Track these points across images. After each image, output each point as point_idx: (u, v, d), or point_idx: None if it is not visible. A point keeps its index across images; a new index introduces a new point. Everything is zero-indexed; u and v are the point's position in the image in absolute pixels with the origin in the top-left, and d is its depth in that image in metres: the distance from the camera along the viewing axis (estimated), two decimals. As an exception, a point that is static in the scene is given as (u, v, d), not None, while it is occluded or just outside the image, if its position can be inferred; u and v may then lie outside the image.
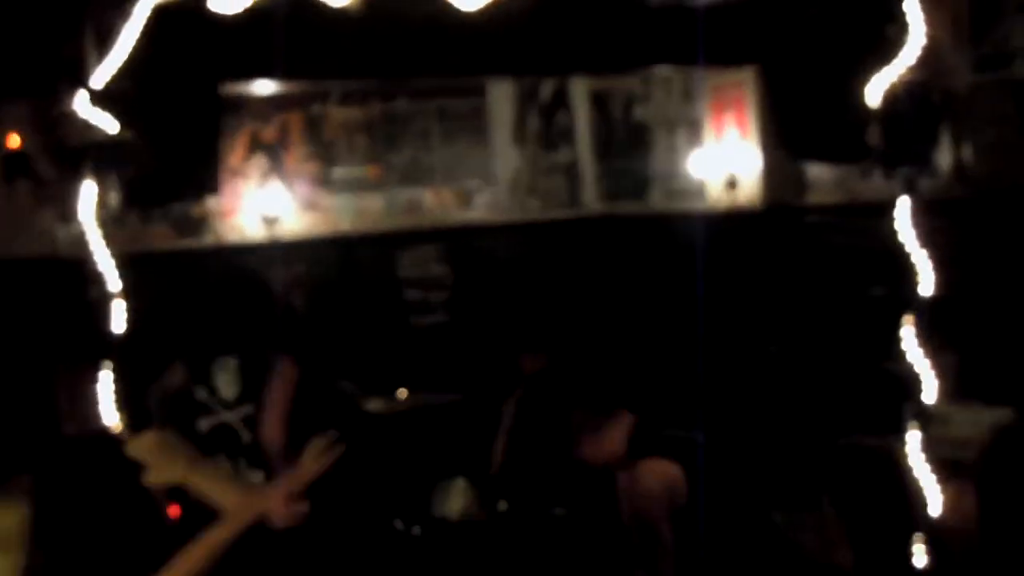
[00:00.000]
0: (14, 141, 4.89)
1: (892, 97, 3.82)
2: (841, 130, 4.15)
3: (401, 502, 6.84)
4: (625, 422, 5.80)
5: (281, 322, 5.70)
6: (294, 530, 5.15)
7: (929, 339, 4.00)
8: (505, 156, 9.38)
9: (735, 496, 5.50)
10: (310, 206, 8.86)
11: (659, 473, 5.65)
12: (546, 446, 6.66)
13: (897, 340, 4.32)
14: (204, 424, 5.57)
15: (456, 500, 6.63)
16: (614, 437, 5.79)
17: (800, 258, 7.31)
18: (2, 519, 3.08)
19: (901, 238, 4.17)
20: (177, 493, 4.33)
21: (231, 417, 5.65)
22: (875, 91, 3.88)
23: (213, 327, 5.85)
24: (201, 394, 5.66)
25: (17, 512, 3.05)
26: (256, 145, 8.67)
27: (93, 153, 4.28)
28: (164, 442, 3.07)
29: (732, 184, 7.73)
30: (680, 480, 5.62)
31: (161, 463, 3.04)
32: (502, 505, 6.50)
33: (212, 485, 3.02)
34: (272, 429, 5.55)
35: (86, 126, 4.32)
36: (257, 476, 5.56)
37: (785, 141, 4.97)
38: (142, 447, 3.07)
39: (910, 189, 3.94)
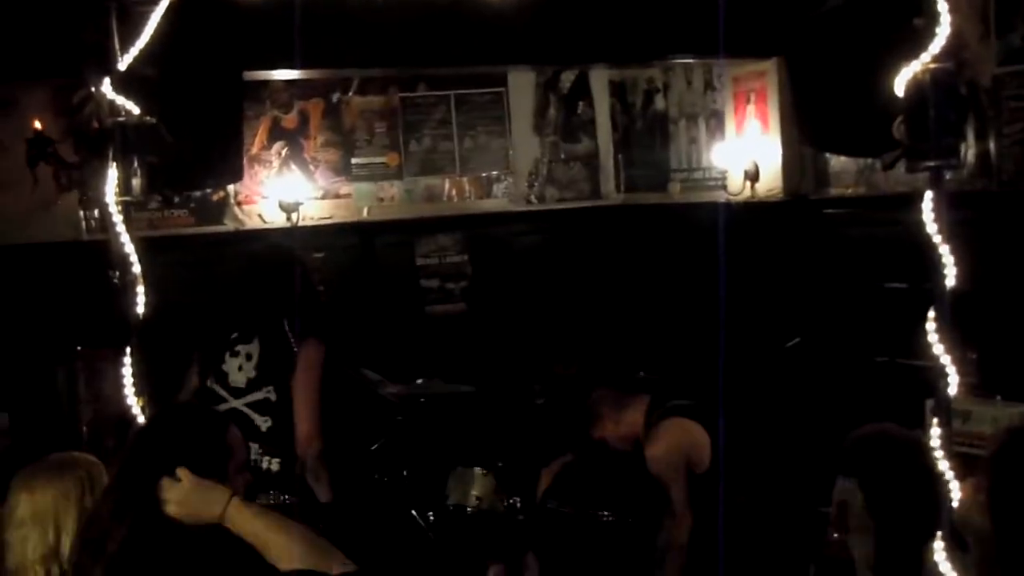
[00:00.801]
0: (37, 125, 4.88)
1: (918, 89, 3.79)
2: (866, 122, 4.12)
3: (417, 489, 6.85)
4: (643, 402, 5.75)
5: (305, 305, 5.64)
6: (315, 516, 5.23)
7: (951, 334, 3.97)
8: (525, 145, 9.38)
9: (754, 487, 5.48)
10: (329, 193, 8.88)
11: (677, 431, 5.55)
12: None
13: (917, 334, 4.30)
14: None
15: (473, 489, 6.62)
16: (635, 418, 5.74)
17: (820, 250, 7.29)
18: (40, 496, 3.07)
19: (924, 231, 4.14)
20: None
21: (239, 404, 5.62)
22: (901, 83, 3.85)
23: (224, 313, 5.89)
24: (212, 385, 5.68)
25: (50, 489, 3.05)
26: (276, 132, 8.70)
27: (116, 138, 4.27)
28: (199, 484, 3.02)
29: (753, 176, 7.71)
30: (701, 442, 5.49)
31: (198, 506, 3.01)
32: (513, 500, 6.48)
33: (254, 527, 2.97)
34: (303, 414, 5.51)
35: (109, 111, 4.31)
36: (275, 463, 5.56)
37: (808, 133, 4.93)
38: (176, 491, 3.02)
39: (935, 182, 3.92)
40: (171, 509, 2.96)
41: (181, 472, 2.98)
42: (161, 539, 2.94)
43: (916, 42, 3.90)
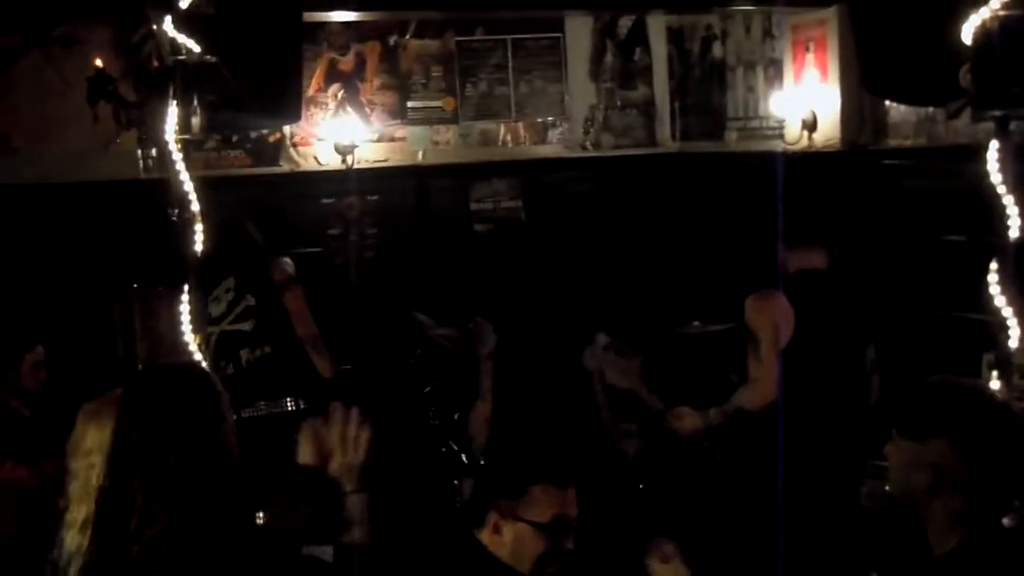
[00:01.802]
0: (98, 63, 4.90)
1: (986, 36, 3.73)
2: (930, 70, 4.07)
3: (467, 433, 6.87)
4: (639, 359, 5.84)
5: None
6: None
7: (1014, 287, 3.92)
8: (581, 91, 9.34)
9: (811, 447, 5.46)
10: (384, 136, 8.89)
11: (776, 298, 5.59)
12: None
13: (975, 288, 4.26)
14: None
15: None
16: (635, 368, 5.83)
17: (878, 202, 7.23)
18: (107, 427, 3.09)
19: (986, 183, 4.09)
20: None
21: (224, 327, 6.56)
22: (968, 30, 3.79)
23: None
24: None
25: (110, 425, 3.07)
26: (333, 74, 8.70)
27: (176, 77, 4.29)
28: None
29: (811, 125, 7.64)
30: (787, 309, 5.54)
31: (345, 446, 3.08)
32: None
33: None
34: (299, 315, 6.58)
35: (170, 50, 4.33)
36: (266, 349, 6.58)
37: (870, 81, 4.87)
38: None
39: (1002, 132, 3.86)
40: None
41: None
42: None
43: (984, -11, 3.84)
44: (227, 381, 5.91)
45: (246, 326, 6.57)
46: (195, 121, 4.30)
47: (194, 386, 3.06)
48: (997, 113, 3.84)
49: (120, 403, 3.04)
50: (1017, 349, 4.00)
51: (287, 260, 6.72)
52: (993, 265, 3.96)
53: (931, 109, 6.80)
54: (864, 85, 5.28)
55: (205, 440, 2.94)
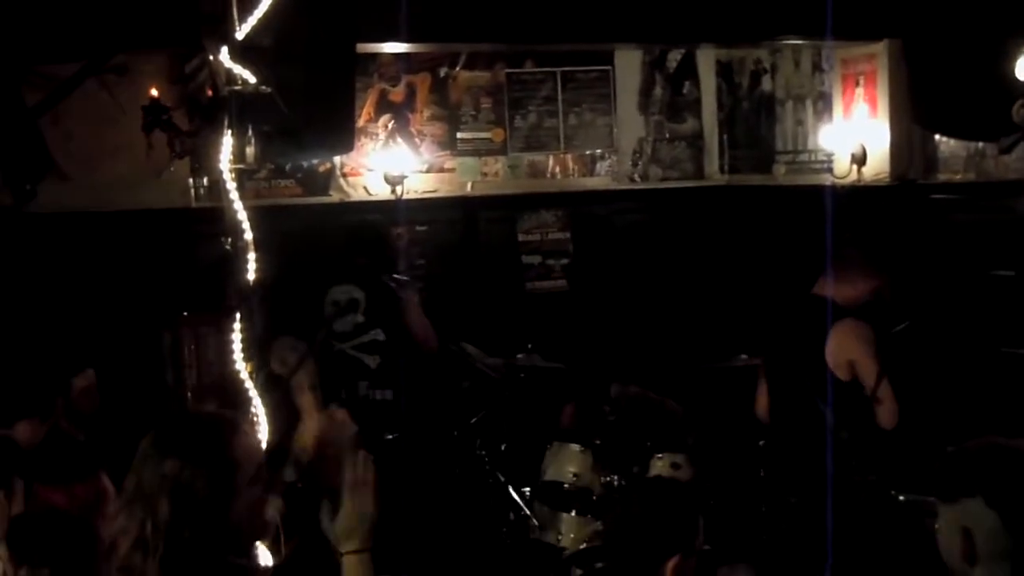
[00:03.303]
0: (153, 92, 4.96)
1: (1039, 73, 3.73)
2: (982, 105, 4.06)
3: (514, 464, 6.88)
4: None
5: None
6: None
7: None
8: (629, 124, 9.37)
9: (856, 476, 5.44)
10: (434, 167, 8.93)
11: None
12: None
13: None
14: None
15: (570, 465, 6.62)
16: None
17: (927, 236, 7.20)
18: (159, 468, 3.05)
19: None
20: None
21: (347, 348, 6.72)
22: (1021, 66, 3.79)
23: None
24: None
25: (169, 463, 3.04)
26: (384, 105, 8.76)
27: (232, 106, 4.33)
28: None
29: (860, 159, 7.62)
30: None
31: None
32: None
33: None
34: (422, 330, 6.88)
35: (226, 80, 4.37)
36: (387, 394, 6.73)
37: (921, 115, 4.87)
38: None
39: (1053, 168, 3.86)
40: None
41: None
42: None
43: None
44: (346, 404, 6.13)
45: (371, 361, 6.77)
46: (249, 151, 4.33)
47: (200, 455, 3.03)
48: (1050, 149, 3.83)
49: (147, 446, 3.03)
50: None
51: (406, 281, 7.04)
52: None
53: (981, 144, 6.79)
54: (916, 119, 5.28)
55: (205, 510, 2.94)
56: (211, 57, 4.48)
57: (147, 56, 7.62)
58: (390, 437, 6.56)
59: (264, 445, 3.54)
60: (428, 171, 8.92)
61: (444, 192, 8.95)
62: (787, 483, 5.91)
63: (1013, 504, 2.66)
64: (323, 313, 6.73)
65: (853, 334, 5.55)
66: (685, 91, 9.49)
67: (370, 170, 8.73)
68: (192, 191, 8.19)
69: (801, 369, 5.67)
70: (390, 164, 8.65)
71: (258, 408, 4.12)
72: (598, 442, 6.58)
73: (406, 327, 6.82)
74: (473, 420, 7.06)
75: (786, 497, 5.94)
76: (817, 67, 8.32)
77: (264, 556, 3.31)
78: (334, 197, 8.68)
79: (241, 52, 4.29)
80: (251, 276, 4.47)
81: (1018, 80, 3.82)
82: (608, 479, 6.45)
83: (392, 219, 8.21)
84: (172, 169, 7.86)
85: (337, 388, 6.47)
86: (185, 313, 7.58)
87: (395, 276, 7.01)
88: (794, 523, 5.80)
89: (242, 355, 4.58)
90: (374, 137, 8.73)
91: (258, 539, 3.11)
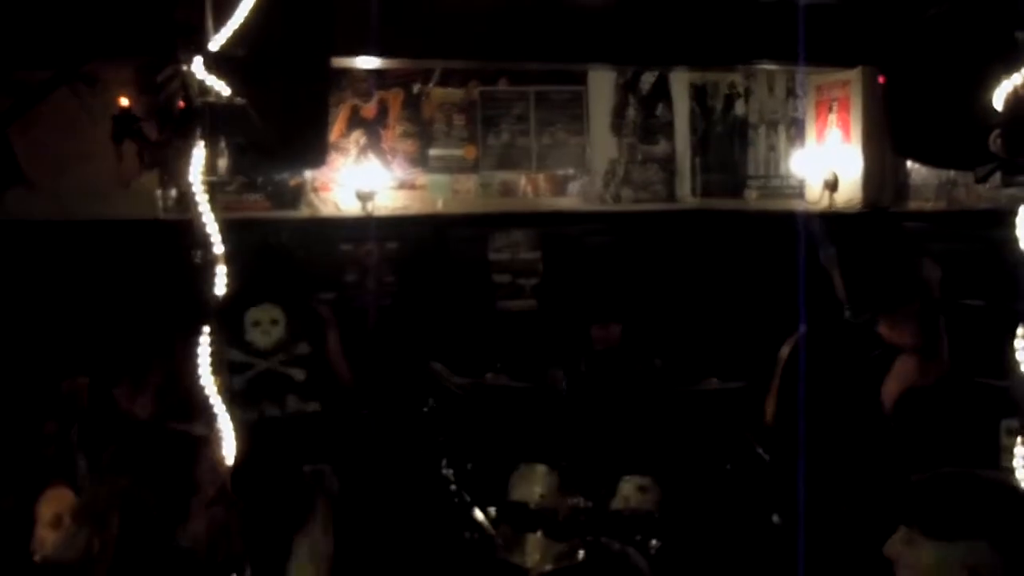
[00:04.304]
0: (124, 102, 4.92)
1: (1018, 102, 3.72)
2: (960, 134, 4.05)
3: (480, 484, 6.83)
4: None
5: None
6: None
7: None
8: (602, 145, 9.36)
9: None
10: (405, 184, 8.90)
11: None
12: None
13: (995, 353, 4.22)
14: (239, 381, 6.25)
15: (536, 486, 6.58)
16: None
17: (898, 264, 7.20)
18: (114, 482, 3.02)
19: (1007, 248, 4.05)
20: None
21: (272, 363, 6.58)
22: (1000, 95, 3.77)
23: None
24: (235, 356, 6.30)
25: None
26: (356, 120, 8.73)
27: (205, 118, 4.28)
28: None
29: (832, 185, 7.63)
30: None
31: None
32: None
33: None
34: (341, 364, 6.75)
35: (199, 91, 4.32)
36: (314, 406, 6.59)
37: (899, 144, 4.86)
38: None
39: (1031, 198, 3.84)
40: None
41: None
42: None
43: (1016, 55, 3.83)
44: (268, 423, 6.08)
45: (299, 374, 6.66)
46: (221, 163, 4.27)
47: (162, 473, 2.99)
48: (1025, 179, 3.82)
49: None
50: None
51: (326, 301, 7.04)
52: (1020, 331, 3.92)
53: (952, 172, 6.81)
54: (893, 146, 5.27)
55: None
56: (184, 67, 4.43)
57: (118, 65, 7.54)
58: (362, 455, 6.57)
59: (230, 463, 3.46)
60: (399, 188, 8.88)
61: (415, 209, 8.91)
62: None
63: (1015, 544, 2.67)
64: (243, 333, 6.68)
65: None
66: (658, 113, 9.49)
67: (341, 185, 8.68)
68: (160, 202, 8.11)
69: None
70: (361, 180, 8.61)
71: (224, 425, 4.06)
72: (564, 463, 6.56)
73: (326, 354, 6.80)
74: (440, 439, 7.00)
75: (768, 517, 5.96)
76: (791, 92, 8.34)
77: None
78: (304, 212, 8.64)
79: (215, 63, 4.24)
80: (220, 290, 4.42)
81: (995, 109, 3.81)
82: (574, 501, 6.42)
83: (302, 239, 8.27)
84: (141, 180, 7.78)
85: (265, 404, 6.48)
86: (152, 327, 7.49)
87: (318, 298, 7.14)
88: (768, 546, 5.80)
89: (210, 370, 4.53)
90: (345, 152, 8.69)
91: (220, 559, 3.05)
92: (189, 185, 4.39)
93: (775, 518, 5.95)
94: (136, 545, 2.83)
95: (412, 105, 8.91)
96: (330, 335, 6.75)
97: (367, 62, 7.86)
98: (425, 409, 7.01)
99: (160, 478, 2.92)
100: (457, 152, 9.02)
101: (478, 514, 6.65)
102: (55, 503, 3.97)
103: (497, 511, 6.68)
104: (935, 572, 2.76)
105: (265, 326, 6.57)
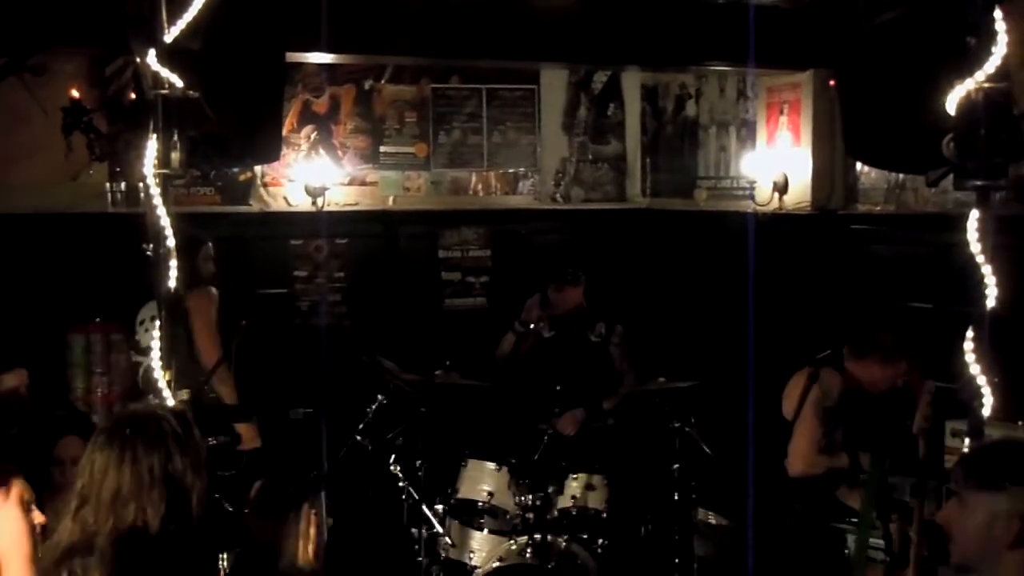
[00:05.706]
0: (74, 94, 4.87)
1: (970, 107, 3.75)
2: (912, 138, 4.08)
3: (429, 480, 6.83)
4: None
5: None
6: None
7: (989, 356, 3.92)
8: (553, 144, 9.38)
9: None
10: (356, 180, 8.87)
11: None
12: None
13: (942, 354, 4.27)
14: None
15: (484, 484, 6.59)
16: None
17: (846, 266, 7.27)
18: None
19: (955, 252, 4.10)
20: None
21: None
22: (952, 101, 3.81)
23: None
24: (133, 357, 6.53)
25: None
26: (307, 115, 8.69)
27: (158, 110, 4.24)
28: None
29: (781, 187, 7.68)
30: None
31: None
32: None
33: None
34: (206, 343, 6.39)
35: (152, 83, 4.28)
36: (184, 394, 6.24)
37: (852, 146, 4.90)
38: None
39: (983, 202, 3.88)
40: None
41: None
42: None
43: (967, 61, 3.86)
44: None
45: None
46: (175, 156, 4.23)
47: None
48: (978, 183, 3.86)
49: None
50: (989, 417, 4.00)
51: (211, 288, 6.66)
52: (969, 334, 3.96)
53: (901, 176, 6.87)
54: (846, 149, 5.31)
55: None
56: (136, 59, 4.39)
57: (68, 56, 7.47)
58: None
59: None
60: (350, 184, 8.85)
61: (365, 205, 8.89)
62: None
63: None
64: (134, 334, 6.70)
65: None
66: (610, 113, 9.52)
67: (291, 181, 8.64)
68: (109, 195, 8.02)
69: None
70: (311, 175, 8.57)
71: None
72: (514, 461, 6.56)
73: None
74: (389, 436, 6.99)
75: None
76: (742, 94, 8.38)
77: None
78: (254, 207, 8.59)
79: (169, 55, 4.20)
80: (172, 283, 4.39)
81: (948, 115, 3.85)
82: (522, 498, 6.42)
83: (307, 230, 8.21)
84: (91, 172, 7.69)
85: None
86: (97, 319, 7.45)
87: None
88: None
89: (160, 363, 4.50)
90: (296, 148, 8.65)
91: None
92: (140, 178, 4.35)
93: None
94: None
95: (364, 101, 8.88)
96: (193, 316, 6.43)
97: (319, 57, 7.82)
98: (374, 406, 7.00)
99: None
100: (408, 149, 9.01)
101: (426, 511, 6.65)
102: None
103: (445, 508, 6.69)
104: (989, 523, 3.00)
105: (147, 324, 6.53)
